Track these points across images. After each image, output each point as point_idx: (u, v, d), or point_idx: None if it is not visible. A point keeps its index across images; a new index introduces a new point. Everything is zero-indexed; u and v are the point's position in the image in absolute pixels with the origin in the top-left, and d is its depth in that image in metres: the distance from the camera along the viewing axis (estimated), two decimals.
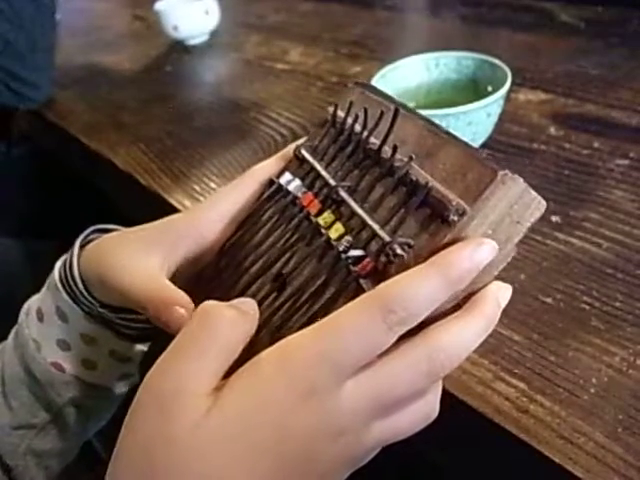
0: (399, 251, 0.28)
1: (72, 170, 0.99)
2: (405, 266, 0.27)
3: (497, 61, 0.61)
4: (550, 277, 0.46)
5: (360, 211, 0.31)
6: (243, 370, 0.26)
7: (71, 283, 0.39)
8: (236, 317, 0.28)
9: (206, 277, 0.39)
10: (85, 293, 0.39)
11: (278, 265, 0.34)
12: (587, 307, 0.43)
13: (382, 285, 0.26)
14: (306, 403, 0.25)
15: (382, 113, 0.33)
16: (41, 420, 0.41)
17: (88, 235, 0.41)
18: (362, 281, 0.29)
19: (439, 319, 0.27)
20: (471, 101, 0.55)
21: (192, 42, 1.14)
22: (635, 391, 0.37)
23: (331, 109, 0.38)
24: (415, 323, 0.26)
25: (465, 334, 0.27)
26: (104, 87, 1.05)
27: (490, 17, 1.00)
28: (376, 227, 0.30)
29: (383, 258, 0.28)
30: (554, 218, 0.52)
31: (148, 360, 0.39)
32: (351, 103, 0.36)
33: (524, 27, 0.93)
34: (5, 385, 0.41)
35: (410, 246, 0.28)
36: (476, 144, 0.59)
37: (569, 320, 0.43)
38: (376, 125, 0.33)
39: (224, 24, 1.16)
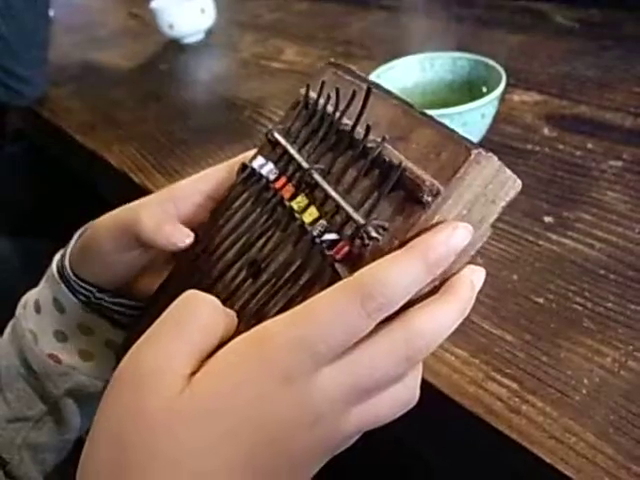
0: (374, 234, 0.27)
1: (66, 168, 0.99)
2: (380, 249, 0.27)
3: (492, 62, 0.62)
4: (542, 278, 0.46)
5: (334, 194, 0.30)
6: (219, 354, 0.26)
7: (66, 274, 0.40)
8: (218, 304, 0.28)
9: (181, 265, 0.38)
10: (78, 281, 0.40)
11: (253, 251, 0.34)
12: (579, 308, 0.43)
13: (360, 271, 0.25)
14: (282, 389, 0.24)
15: (354, 93, 0.32)
16: (37, 412, 0.41)
17: (87, 229, 0.42)
18: (337, 265, 0.28)
19: (416, 303, 0.27)
20: (466, 102, 0.55)
21: (188, 40, 1.13)
22: (626, 392, 0.37)
23: (303, 90, 0.37)
24: (394, 309, 0.25)
25: (442, 318, 0.26)
26: (99, 85, 1.05)
27: (485, 18, 1.00)
28: (350, 210, 0.29)
29: (358, 241, 0.28)
30: (547, 219, 0.52)
31: (125, 345, 0.39)
32: (323, 83, 0.35)
33: (519, 28, 0.93)
34: (1, 378, 0.41)
35: (385, 229, 0.27)
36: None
37: (561, 321, 0.43)
38: (348, 106, 0.33)
39: (220, 23, 1.16)
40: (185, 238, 0.36)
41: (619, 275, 0.45)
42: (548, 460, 0.35)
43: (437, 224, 0.26)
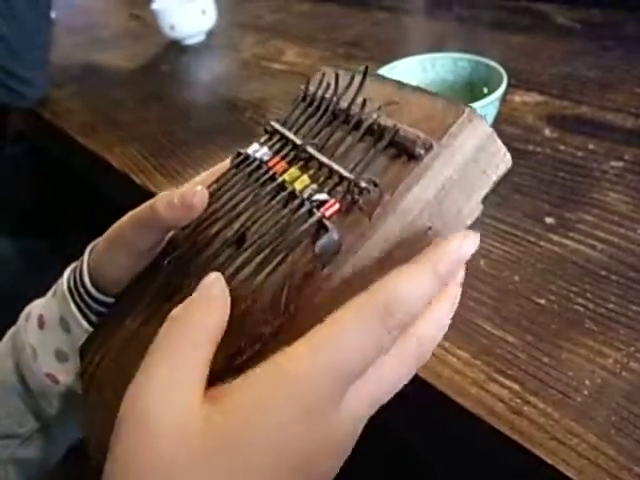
0: (364, 184, 0.27)
1: (67, 169, 0.99)
2: (371, 203, 0.27)
3: (493, 63, 0.62)
4: (544, 279, 0.46)
5: (327, 160, 0.30)
6: (236, 386, 0.25)
7: (81, 291, 0.38)
8: (205, 314, 0.27)
9: (172, 243, 0.38)
10: (99, 295, 0.38)
11: (239, 222, 0.33)
12: (581, 309, 0.43)
13: (376, 288, 0.25)
14: (307, 419, 0.24)
15: (352, 77, 0.33)
16: (27, 430, 0.40)
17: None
18: (326, 221, 0.28)
19: None
20: (467, 103, 0.55)
21: (189, 42, 1.14)
22: (628, 393, 0.37)
23: (303, 86, 0.37)
24: (408, 321, 0.25)
25: (410, 282, 0.25)
26: (100, 86, 1.05)
27: (486, 19, 1.00)
28: (342, 171, 0.29)
29: (348, 198, 0.28)
30: (548, 220, 0.52)
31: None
32: (323, 75, 0.36)
33: (520, 29, 0.93)
34: None
35: (376, 184, 0.27)
36: None
37: (563, 322, 0.43)
38: (346, 88, 0.33)
39: (221, 24, 1.16)
40: (197, 188, 0.34)
41: (621, 276, 0.45)
42: (550, 461, 0.35)
43: (425, 175, 0.26)
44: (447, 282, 0.26)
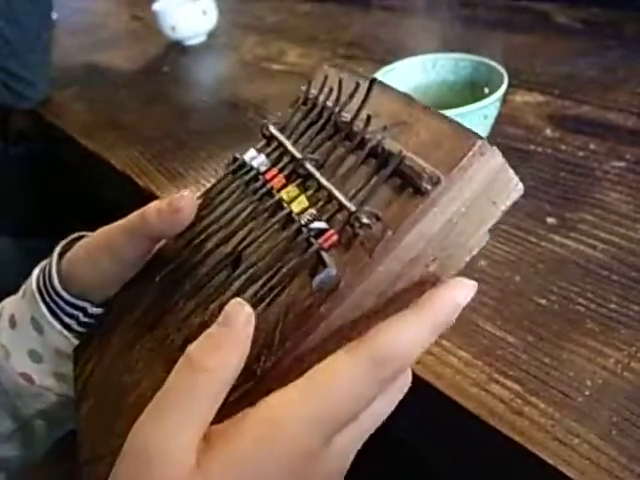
0: (365, 220, 0.25)
1: (69, 170, 0.99)
2: (372, 239, 0.25)
3: (494, 63, 0.61)
4: (545, 279, 0.46)
5: (326, 183, 0.29)
6: (227, 438, 0.24)
7: (51, 292, 0.37)
8: (225, 359, 0.25)
9: (166, 256, 0.36)
10: (71, 298, 0.37)
11: (234, 240, 0.32)
12: (582, 309, 0.43)
13: (374, 337, 0.25)
14: (302, 470, 0.24)
15: (357, 85, 0.31)
16: (5, 430, 0.40)
17: (69, 242, 0.39)
18: (324, 254, 0.26)
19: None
20: (468, 103, 0.55)
21: (190, 42, 1.14)
22: (629, 393, 0.37)
23: (304, 87, 0.36)
24: (401, 373, 0.26)
25: (408, 334, 0.25)
26: (102, 87, 1.05)
27: (487, 19, 1.00)
28: (342, 198, 0.27)
29: (348, 230, 0.26)
30: (549, 220, 0.52)
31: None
32: (326, 77, 0.34)
33: (521, 29, 0.93)
34: None
35: (378, 218, 0.25)
36: None
37: (564, 322, 0.43)
38: (350, 97, 0.31)
39: (222, 25, 1.16)
40: (184, 192, 0.34)
41: (622, 276, 0.45)
42: (551, 462, 0.35)
43: (428, 210, 0.25)
44: (442, 331, 0.26)
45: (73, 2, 1.62)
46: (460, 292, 0.26)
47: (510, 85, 0.58)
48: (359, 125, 0.30)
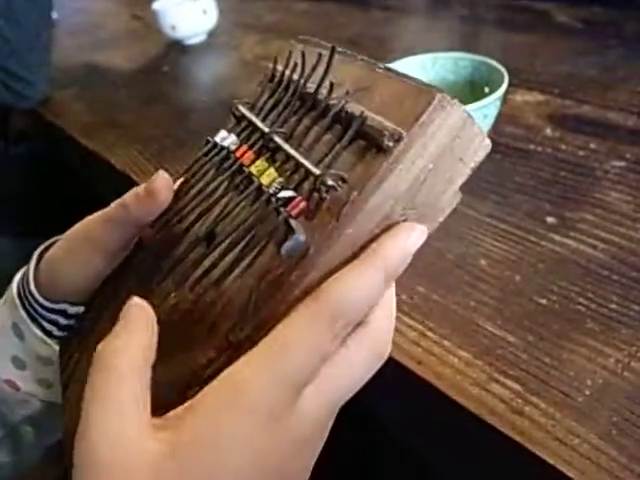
0: (330, 182, 0.25)
1: (69, 170, 0.99)
2: (339, 201, 0.25)
3: (494, 62, 0.61)
4: (545, 278, 0.46)
5: (293, 152, 0.29)
6: (188, 411, 0.24)
7: (30, 298, 0.37)
8: (126, 341, 0.26)
9: (142, 243, 0.36)
10: (47, 303, 0.37)
11: (209, 218, 0.32)
12: (582, 309, 0.43)
13: (323, 291, 0.25)
14: (268, 430, 0.24)
15: (320, 56, 0.31)
16: None
17: (47, 247, 0.39)
18: (292, 221, 0.26)
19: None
20: (468, 102, 0.55)
21: (190, 42, 1.14)
22: (629, 393, 0.37)
23: (271, 65, 0.36)
24: (357, 321, 0.26)
25: (359, 283, 0.25)
26: (102, 87, 1.05)
27: (487, 18, 1.00)
28: (309, 165, 0.27)
29: (315, 196, 0.26)
30: (549, 219, 0.52)
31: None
32: (290, 53, 0.34)
33: (521, 28, 0.93)
34: None
35: (344, 180, 0.26)
36: None
37: (564, 322, 0.43)
38: (313, 69, 0.32)
39: (222, 24, 1.16)
40: (158, 173, 0.34)
41: (622, 276, 0.45)
42: (551, 462, 0.35)
43: (393, 168, 0.25)
44: (395, 278, 0.26)
45: (73, 2, 1.62)
46: (408, 237, 0.26)
47: (510, 84, 0.58)
48: (323, 93, 0.30)
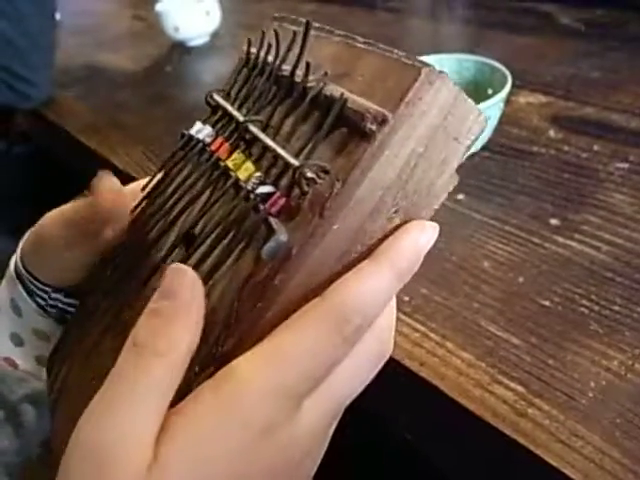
0: (310, 174, 0.23)
1: (71, 170, 0.99)
2: (321, 195, 0.23)
3: (497, 64, 0.61)
4: (549, 280, 0.46)
5: (270, 142, 0.26)
6: (185, 412, 0.22)
7: (22, 272, 0.37)
8: (170, 347, 0.23)
9: (118, 247, 0.34)
10: (33, 280, 0.37)
11: (188, 218, 0.29)
12: (586, 311, 0.43)
13: (332, 294, 0.23)
14: (265, 440, 0.22)
15: (294, 35, 0.29)
16: None
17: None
18: (272, 220, 0.24)
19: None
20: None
21: (193, 43, 1.14)
22: (633, 395, 0.37)
23: (244, 48, 0.33)
24: (369, 325, 0.24)
25: (368, 286, 0.23)
26: (104, 87, 1.05)
27: (490, 20, 1.00)
28: (287, 156, 0.25)
29: (296, 191, 0.24)
30: (553, 221, 0.52)
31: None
32: (263, 34, 0.32)
33: (524, 30, 0.93)
34: None
35: (326, 171, 0.23)
36: (475, 147, 0.59)
37: (568, 323, 0.43)
38: (289, 49, 0.29)
39: (225, 25, 1.17)
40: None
41: (626, 278, 0.45)
42: (554, 464, 0.34)
43: (377, 155, 0.22)
44: (407, 279, 0.24)
45: (76, 3, 1.62)
46: (420, 235, 0.24)
47: (513, 86, 0.58)
48: (299, 75, 0.27)
